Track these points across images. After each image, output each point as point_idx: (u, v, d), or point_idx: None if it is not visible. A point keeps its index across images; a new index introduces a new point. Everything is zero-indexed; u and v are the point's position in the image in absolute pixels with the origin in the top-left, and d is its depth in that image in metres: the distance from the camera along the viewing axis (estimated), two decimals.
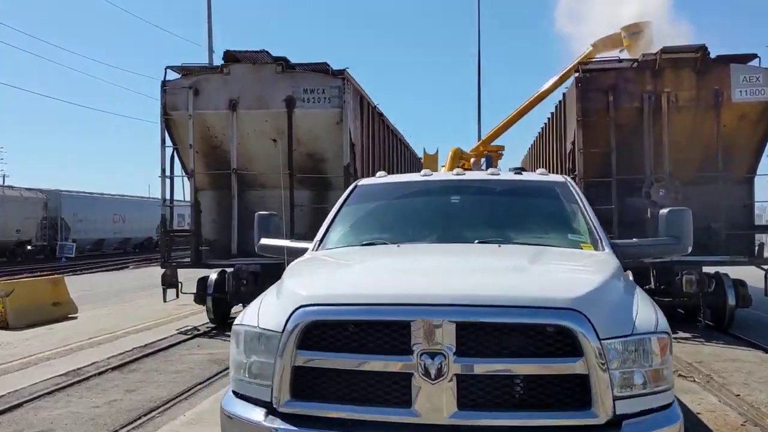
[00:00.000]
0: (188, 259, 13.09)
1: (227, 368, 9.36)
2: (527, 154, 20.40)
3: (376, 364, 3.09)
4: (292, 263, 4.29)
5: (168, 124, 12.57)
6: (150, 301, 16.45)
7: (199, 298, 12.69)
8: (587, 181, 11.95)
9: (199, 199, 12.98)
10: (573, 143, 12.48)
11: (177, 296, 12.78)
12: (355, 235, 4.90)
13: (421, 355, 2.99)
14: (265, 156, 12.71)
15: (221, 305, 12.79)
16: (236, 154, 12.42)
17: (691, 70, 11.78)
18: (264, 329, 3.32)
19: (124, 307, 15.75)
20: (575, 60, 14.24)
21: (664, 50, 11.80)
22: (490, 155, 13.16)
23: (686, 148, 11.75)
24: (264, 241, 4.98)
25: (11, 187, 37.79)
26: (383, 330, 3.10)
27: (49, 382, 8.31)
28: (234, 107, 12.27)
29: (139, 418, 6.82)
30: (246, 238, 12.83)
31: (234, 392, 3.49)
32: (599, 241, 4.35)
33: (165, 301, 12.63)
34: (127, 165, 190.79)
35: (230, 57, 12.50)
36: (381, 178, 5.61)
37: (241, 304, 12.50)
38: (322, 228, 4.91)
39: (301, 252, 4.74)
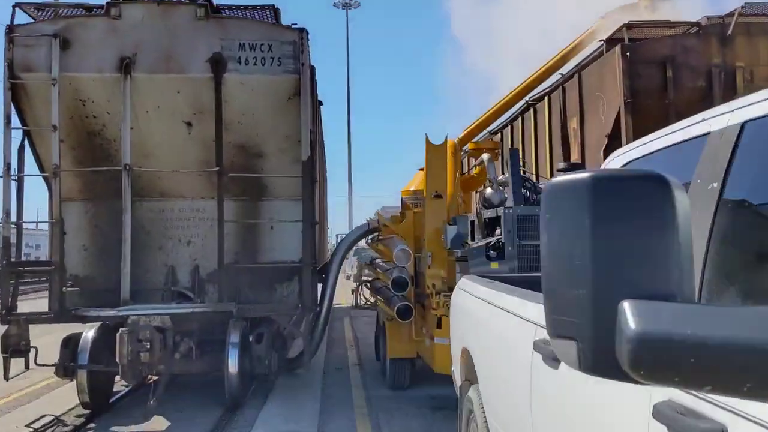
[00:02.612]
0: (47, 310, 8.29)
1: None
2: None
3: None
4: None
5: (16, 92, 7.88)
6: None
7: (65, 370, 7.99)
8: None
9: (64, 216, 8.30)
10: (610, 136, 9.13)
11: (27, 367, 8.01)
12: None
13: None
14: (173, 147, 8.37)
15: (100, 380, 8.18)
16: (129, 143, 7.96)
17: None
18: None
19: None
20: (583, 33, 10.99)
21: (741, 12, 8.80)
22: (516, 151, 9.59)
23: None
24: None
25: None
26: None
27: None
28: (127, 69, 7.82)
29: None
30: (143, 274, 8.42)
31: None
32: None
33: (7, 378, 7.81)
34: None
35: None
36: None
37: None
38: None
39: None
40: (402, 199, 9.84)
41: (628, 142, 8.78)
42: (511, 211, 7.22)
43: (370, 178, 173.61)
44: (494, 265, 7.01)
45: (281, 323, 9.01)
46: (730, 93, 8.75)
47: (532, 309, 2.95)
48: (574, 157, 10.32)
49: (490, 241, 7.16)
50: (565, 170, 7.88)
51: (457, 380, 5.11)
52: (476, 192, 9.69)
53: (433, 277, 7.74)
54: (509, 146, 13.70)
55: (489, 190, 8.43)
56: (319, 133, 10.60)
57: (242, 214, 8.82)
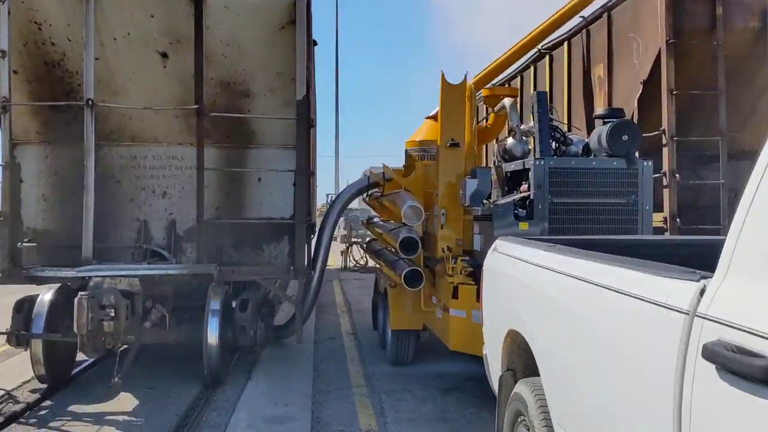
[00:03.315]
0: None
1: None
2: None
3: None
4: None
5: None
6: None
7: (17, 339, 6.89)
8: (682, 141, 7.62)
9: (18, 159, 7.16)
10: (646, 82, 8.03)
11: None
12: None
13: None
14: (145, 82, 7.18)
15: (60, 350, 7.10)
16: (93, 74, 6.76)
17: None
18: None
19: None
20: None
21: None
22: (544, 93, 8.35)
23: None
24: None
25: None
26: None
27: None
28: None
29: None
30: (111, 228, 7.33)
31: None
32: None
33: None
34: None
35: None
36: None
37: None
38: None
39: None
40: (406, 151, 8.70)
41: (668, 89, 7.71)
42: (542, 162, 6.13)
43: (354, 139, 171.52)
44: (523, 226, 5.96)
45: (268, 287, 7.99)
46: None
47: (687, 291, 1.87)
48: (586, 100, 9.29)
49: (520, 197, 6.09)
50: (603, 117, 6.81)
51: (494, 369, 4.08)
52: (495, 142, 8.58)
53: (446, 238, 6.67)
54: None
55: (510, 140, 7.33)
56: (312, 75, 9.39)
57: (225, 163, 7.68)
